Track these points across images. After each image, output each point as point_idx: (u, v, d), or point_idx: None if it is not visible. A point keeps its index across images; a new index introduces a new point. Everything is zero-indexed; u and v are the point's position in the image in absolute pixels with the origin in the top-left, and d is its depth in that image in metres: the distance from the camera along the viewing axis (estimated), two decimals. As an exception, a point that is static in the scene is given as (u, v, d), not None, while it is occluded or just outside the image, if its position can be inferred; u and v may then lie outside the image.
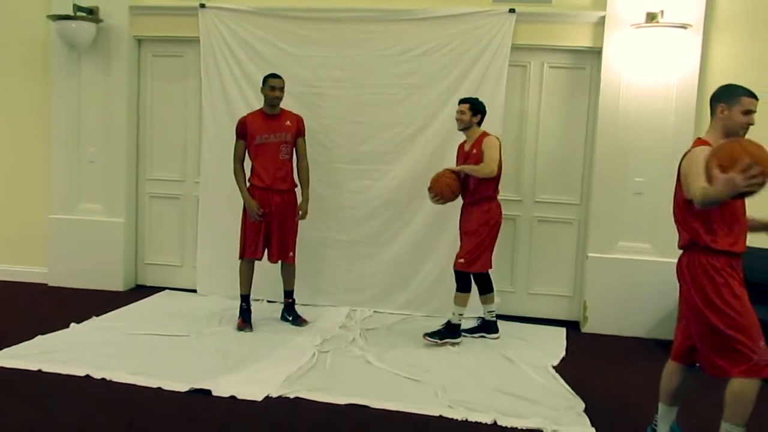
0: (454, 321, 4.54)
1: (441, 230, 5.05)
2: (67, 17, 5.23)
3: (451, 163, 4.70)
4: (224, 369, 3.90)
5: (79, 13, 5.28)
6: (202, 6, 5.28)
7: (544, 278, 5.32)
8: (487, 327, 4.75)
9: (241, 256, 4.75)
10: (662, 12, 4.70)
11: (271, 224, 4.69)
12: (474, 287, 4.60)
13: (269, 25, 5.22)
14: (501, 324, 5.05)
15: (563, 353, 4.49)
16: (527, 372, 4.06)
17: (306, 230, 4.99)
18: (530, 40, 5.04)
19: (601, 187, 5.00)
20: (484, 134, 4.52)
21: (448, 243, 5.02)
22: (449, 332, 4.53)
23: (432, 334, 4.51)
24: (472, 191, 4.52)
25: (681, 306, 2.95)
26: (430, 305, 5.13)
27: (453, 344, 4.50)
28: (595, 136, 5.01)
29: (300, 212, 4.79)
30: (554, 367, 4.18)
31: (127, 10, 5.43)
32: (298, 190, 4.83)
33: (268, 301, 5.27)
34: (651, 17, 4.74)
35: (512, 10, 4.94)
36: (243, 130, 4.68)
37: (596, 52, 4.99)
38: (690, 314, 2.86)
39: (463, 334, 4.61)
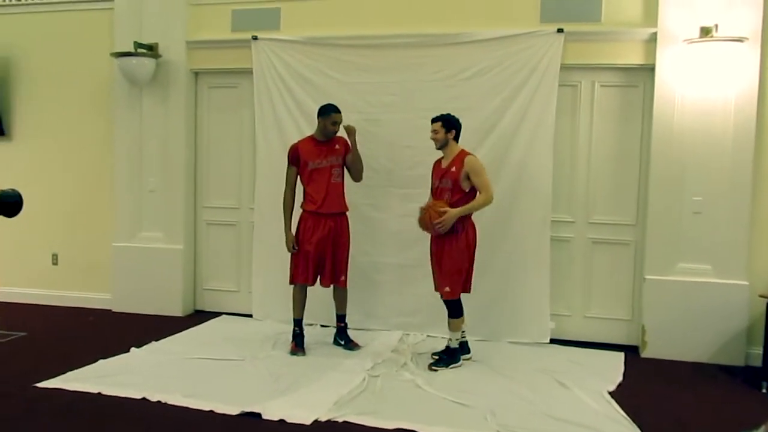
0: (453, 345, 4.52)
1: (491, 252, 4.97)
2: (128, 54, 5.50)
3: (503, 184, 4.62)
4: (275, 392, 3.93)
5: (139, 50, 5.54)
6: (255, 38, 5.45)
7: (601, 301, 5.18)
8: (452, 351, 4.56)
9: (292, 282, 4.80)
10: (716, 26, 4.57)
11: (325, 248, 4.73)
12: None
13: (319, 54, 5.33)
14: (557, 349, 4.97)
15: (620, 378, 4.34)
16: (581, 397, 3.94)
17: (356, 255, 5.02)
18: (580, 59, 4.97)
19: (657, 207, 4.85)
20: (464, 152, 4.42)
21: (499, 266, 4.99)
22: (451, 357, 4.50)
23: (436, 363, 4.48)
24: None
25: None
26: (483, 329, 5.03)
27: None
28: (650, 155, 4.88)
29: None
30: (610, 393, 4.04)
31: (184, 45, 5.67)
32: (349, 214, 4.88)
33: (322, 326, 5.30)
34: (705, 32, 4.61)
35: (560, 30, 4.91)
36: (295, 156, 4.76)
37: (649, 69, 4.88)
38: None
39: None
